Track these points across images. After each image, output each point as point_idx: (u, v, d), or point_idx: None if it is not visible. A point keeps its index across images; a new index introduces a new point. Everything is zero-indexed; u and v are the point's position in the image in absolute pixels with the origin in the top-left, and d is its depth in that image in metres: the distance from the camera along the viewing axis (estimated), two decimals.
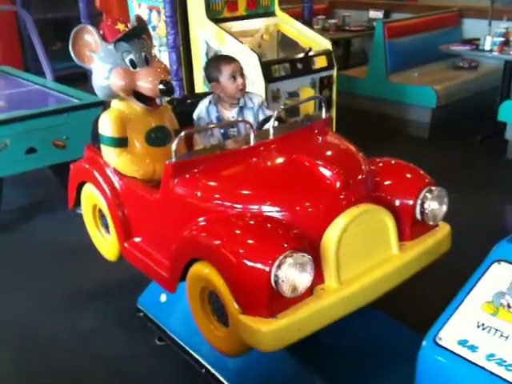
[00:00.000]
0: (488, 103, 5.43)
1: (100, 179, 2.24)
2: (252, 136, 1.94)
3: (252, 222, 1.69)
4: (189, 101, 2.60)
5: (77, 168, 2.43)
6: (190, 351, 2.28)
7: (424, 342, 1.43)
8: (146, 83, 2.07)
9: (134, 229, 2.19)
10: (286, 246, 1.57)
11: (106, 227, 2.39)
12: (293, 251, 1.56)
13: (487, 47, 4.35)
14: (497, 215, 3.77)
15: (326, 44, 4.19)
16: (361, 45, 6.36)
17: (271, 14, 4.41)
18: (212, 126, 2.32)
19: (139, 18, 2.20)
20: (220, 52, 4.04)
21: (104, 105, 3.83)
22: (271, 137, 1.98)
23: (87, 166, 2.34)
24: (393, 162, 2.07)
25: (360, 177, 1.84)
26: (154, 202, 2.00)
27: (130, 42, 2.09)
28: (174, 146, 1.83)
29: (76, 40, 2.10)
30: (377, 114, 5.12)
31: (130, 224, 2.19)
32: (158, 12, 4.25)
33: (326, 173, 1.76)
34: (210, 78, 2.41)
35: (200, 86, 4.23)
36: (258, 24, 4.36)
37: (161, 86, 2.05)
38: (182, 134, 1.89)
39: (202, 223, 1.79)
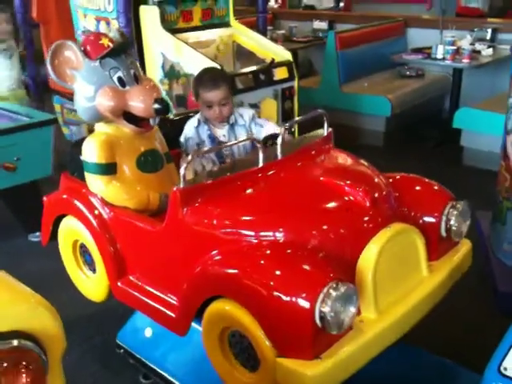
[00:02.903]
0: (435, 110, 5.57)
1: (84, 211, 2.00)
2: (261, 156, 1.79)
3: (283, 252, 1.53)
4: (175, 118, 2.41)
5: (53, 200, 2.17)
6: None
7: (487, 373, 1.35)
8: (139, 103, 1.87)
9: (130, 265, 1.97)
10: (328, 276, 1.43)
11: (90, 265, 2.14)
12: (337, 282, 1.42)
13: (439, 56, 4.45)
14: None
15: (287, 55, 4.12)
16: (306, 55, 6.34)
17: (226, 24, 4.28)
18: (222, 146, 2.12)
19: (121, 33, 2.00)
20: (178, 64, 3.85)
21: (56, 123, 3.56)
22: (279, 156, 1.84)
23: (66, 196, 2.09)
24: (409, 176, 1.99)
25: (385, 194, 1.73)
26: (156, 234, 1.79)
27: (118, 58, 1.89)
28: (182, 171, 1.65)
29: (55, 57, 1.87)
30: (331, 125, 5.08)
31: (123, 260, 1.97)
32: (108, 23, 3.98)
33: (353, 192, 1.64)
34: (194, 93, 2.24)
35: None
36: (213, 35, 4.22)
37: (156, 106, 1.86)
38: (190, 157, 1.70)
39: (220, 256, 1.61)
